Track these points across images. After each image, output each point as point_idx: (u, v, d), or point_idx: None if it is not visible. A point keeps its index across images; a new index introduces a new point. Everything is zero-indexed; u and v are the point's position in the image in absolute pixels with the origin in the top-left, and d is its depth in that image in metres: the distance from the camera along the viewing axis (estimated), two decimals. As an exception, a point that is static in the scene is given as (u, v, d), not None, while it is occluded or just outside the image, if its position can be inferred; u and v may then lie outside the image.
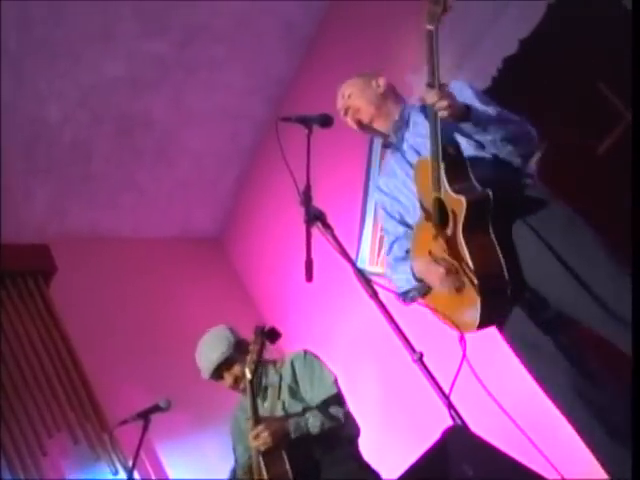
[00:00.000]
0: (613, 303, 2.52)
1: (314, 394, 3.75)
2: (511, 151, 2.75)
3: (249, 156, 6.90)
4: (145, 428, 4.16)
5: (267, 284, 6.95)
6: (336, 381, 3.79)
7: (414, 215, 2.99)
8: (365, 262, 5.66)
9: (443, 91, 2.61)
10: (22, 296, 5.75)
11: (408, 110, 3.12)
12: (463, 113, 2.66)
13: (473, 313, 2.66)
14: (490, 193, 2.64)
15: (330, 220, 2.58)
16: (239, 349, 3.97)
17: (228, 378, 3.97)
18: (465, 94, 2.89)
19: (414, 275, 2.90)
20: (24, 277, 5.82)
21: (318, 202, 2.58)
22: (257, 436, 3.52)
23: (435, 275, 2.75)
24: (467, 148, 2.82)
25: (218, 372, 3.97)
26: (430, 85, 2.63)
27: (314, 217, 2.54)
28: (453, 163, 2.72)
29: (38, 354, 5.51)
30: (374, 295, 2.47)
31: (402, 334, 2.35)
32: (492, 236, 2.66)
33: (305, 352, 3.94)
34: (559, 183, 4.73)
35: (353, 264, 2.51)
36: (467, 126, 2.69)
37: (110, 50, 5.59)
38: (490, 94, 4.82)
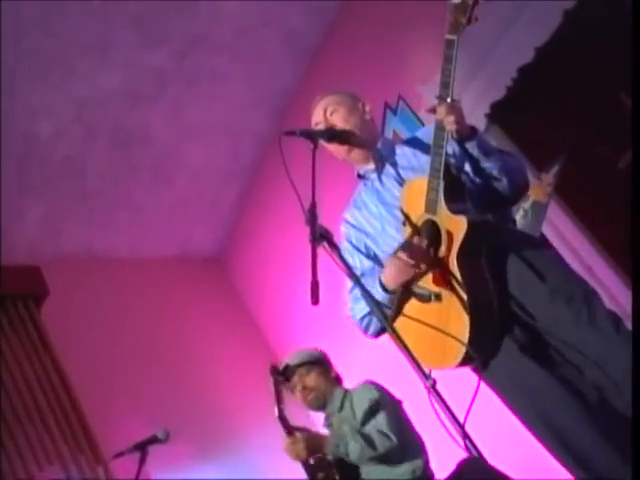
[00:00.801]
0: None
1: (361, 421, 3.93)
2: (505, 185, 2.73)
3: (251, 172, 6.90)
4: (142, 460, 4.15)
5: (271, 307, 6.94)
6: (391, 409, 3.92)
7: (383, 243, 2.98)
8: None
9: (455, 106, 2.62)
10: (12, 321, 5.74)
11: (389, 143, 3.13)
12: (469, 132, 2.67)
13: (455, 347, 2.63)
14: (491, 217, 2.66)
15: (337, 239, 2.58)
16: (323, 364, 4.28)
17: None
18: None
19: (382, 286, 2.84)
20: (14, 301, 5.81)
21: (324, 220, 2.57)
22: (291, 445, 3.73)
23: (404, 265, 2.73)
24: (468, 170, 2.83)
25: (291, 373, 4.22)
26: (441, 98, 2.63)
27: (320, 236, 2.52)
28: (453, 183, 2.71)
29: (29, 382, 5.49)
30: (384, 318, 2.46)
31: (413, 359, 2.34)
32: (484, 264, 2.65)
33: (364, 384, 4.15)
34: (578, 197, 4.75)
35: (361, 286, 2.51)
36: (471, 147, 2.69)
37: (106, 61, 5.62)
38: (505, 104, 4.90)
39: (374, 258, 3.05)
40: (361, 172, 3.15)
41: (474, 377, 2.65)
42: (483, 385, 2.67)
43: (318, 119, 3.11)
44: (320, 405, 4.15)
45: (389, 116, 5.34)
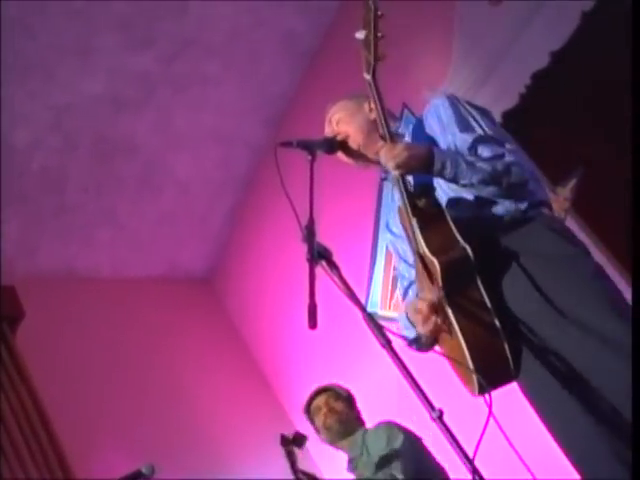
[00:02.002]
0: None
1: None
2: (494, 192, 2.69)
3: (244, 185, 6.92)
4: (125, 498, 4.12)
5: (265, 332, 6.93)
6: (406, 443, 4.15)
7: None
8: (376, 306, 5.65)
9: (394, 145, 2.62)
10: (-17, 345, 5.71)
11: (405, 132, 3.11)
12: (424, 161, 2.63)
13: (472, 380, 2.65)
14: (468, 248, 2.59)
15: (336, 258, 2.57)
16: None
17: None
18: (444, 116, 2.88)
19: (407, 317, 2.86)
20: (-14, 323, 5.80)
21: (323, 238, 2.57)
22: None
23: (417, 316, 2.73)
24: (450, 186, 2.79)
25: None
26: (383, 137, 2.65)
27: (318, 255, 2.51)
28: (426, 216, 2.69)
29: (1, 413, 5.46)
30: (387, 344, 2.44)
31: (419, 388, 2.33)
32: (484, 296, 2.63)
33: (382, 426, 4.37)
34: (596, 213, 4.75)
35: (362, 308, 2.49)
36: (434, 174, 2.67)
37: (88, 65, 5.63)
38: (518, 113, 4.91)
39: None
40: (383, 175, 3.15)
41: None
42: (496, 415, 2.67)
43: (327, 131, 3.14)
44: (340, 432, 4.45)
45: (408, 118, 5.35)
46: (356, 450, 4.37)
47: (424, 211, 2.69)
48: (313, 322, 2.39)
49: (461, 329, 2.59)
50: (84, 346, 6.17)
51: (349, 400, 4.67)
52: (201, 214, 6.98)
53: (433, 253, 2.63)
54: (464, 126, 2.84)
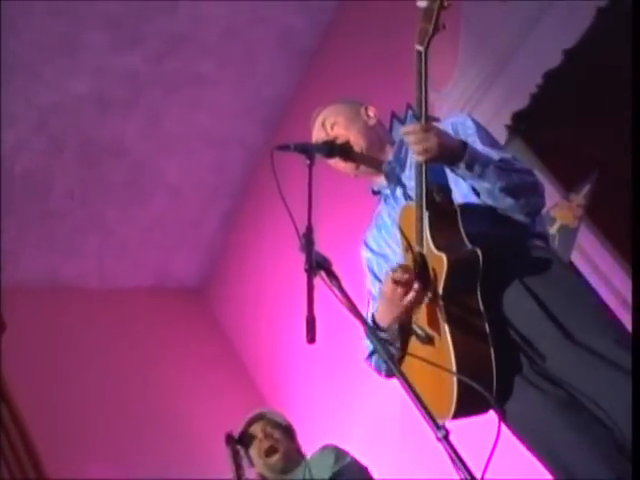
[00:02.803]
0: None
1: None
2: (512, 205, 2.71)
3: (239, 191, 6.91)
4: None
5: (261, 346, 6.92)
6: (354, 463, 4.07)
7: None
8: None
9: (428, 127, 2.61)
10: (-38, 359, 5.69)
11: (404, 147, 3.10)
12: (453, 153, 2.63)
13: (449, 398, 2.62)
14: (479, 252, 2.61)
15: (336, 268, 2.56)
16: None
17: None
18: (467, 131, 2.89)
19: (374, 323, 2.84)
20: (-35, 335, 5.78)
21: (322, 247, 2.56)
22: None
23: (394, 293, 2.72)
24: (462, 193, 2.80)
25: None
26: (415, 117, 2.63)
27: (317, 265, 2.50)
28: (440, 212, 2.68)
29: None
30: (390, 358, 2.44)
31: (424, 407, 2.31)
32: (480, 306, 2.63)
33: (326, 451, 4.27)
34: (612, 221, 4.74)
35: (364, 321, 2.48)
36: (460, 168, 2.67)
37: (74, 64, 5.64)
38: (529, 115, 4.91)
39: None
40: (375, 188, 3.15)
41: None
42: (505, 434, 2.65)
43: (318, 135, 3.11)
44: (281, 465, 4.27)
45: (397, 127, 5.33)
46: None
47: (438, 207, 2.69)
48: (312, 336, 2.38)
49: (452, 336, 2.60)
50: (69, 360, 6.18)
51: (288, 431, 4.43)
52: (193, 220, 6.98)
53: (440, 249, 2.63)
54: (490, 143, 2.87)
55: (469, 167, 2.63)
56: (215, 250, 7.24)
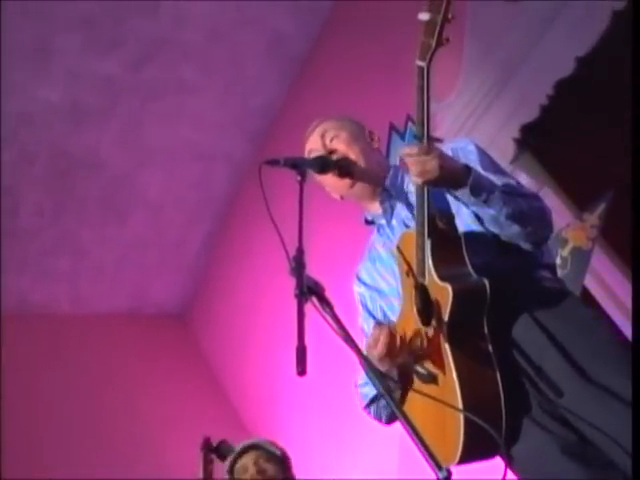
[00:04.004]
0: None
1: None
2: (518, 233, 2.72)
3: (224, 209, 6.91)
4: None
5: (247, 377, 6.91)
6: None
7: (398, 306, 2.98)
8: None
9: (429, 149, 2.61)
10: None
11: (401, 173, 3.11)
12: (456, 177, 2.64)
13: (454, 442, 2.62)
14: (487, 283, 2.62)
15: (329, 294, 2.56)
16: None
17: None
18: (468, 156, 2.90)
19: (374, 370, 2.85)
20: None
21: (313, 270, 2.56)
22: None
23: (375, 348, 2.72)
24: (462, 220, 2.81)
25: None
26: (417, 138, 2.63)
27: (308, 290, 2.50)
28: (443, 240, 2.69)
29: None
30: (387, 392, 2.43)
31: (425, 446, 2.31)
32: (488, 341, 2.63)
33: None
34: (628, 243, 4.74)
35: (359, 352, 2.48)
36: (463, 194, 2.67)
37: (45, 69, 5.63)
38: (539, 127, 4.91)
39: None
40: (369, 217, 3.15)
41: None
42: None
43: (314, 146, 3.11)
44: None
45: (395, 140, 5.35)
46: None
47: (441, 235, 2.70)
48: (302, 367, 2.37)
49: (457, 374, 2.60)
50: (39, 387, 6.20)
51: (283, 462, 4.39)
52: (174, 240, 6.98)
53: (444, 279, 2.64)
54: (493, 169, 2.88)
55: (474, 192, 2.64)
56: (198, 273, 7.23)
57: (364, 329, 3.15)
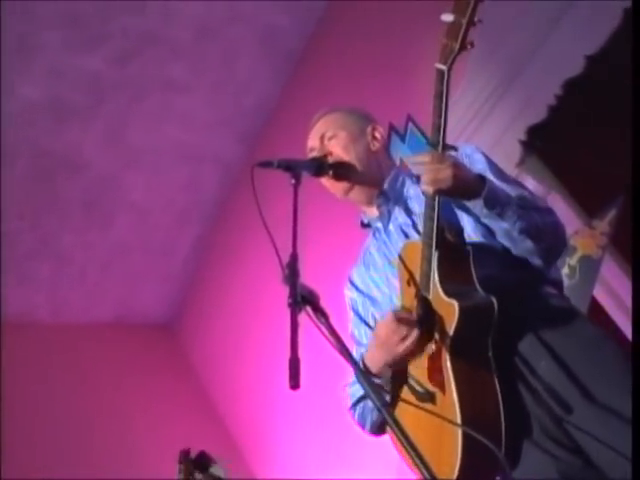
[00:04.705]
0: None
1: None
2: (530, 248, 2.74)
3: (214, 213, 6.91)
4: None
5: (238, 391, 6.91)
6: None
7: None
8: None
9: (443, 158, 2.60)
10: None
11: (402, 177, 3.11)
12: (469, 188, 2.65)
13: (452, 460, 2.62)
14: (495, 301, 2.62)
15: (324, 303, 2.55)
16: None
17: None
18: (476, 165, 2.90)
19: (364, 366, 2.83)
20: None
21: (308, 278, 2.55)
22: None
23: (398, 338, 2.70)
24: (471, 235, 2.82)
25: None
26: (432, 144, 2.62)
27: (302, 299, 2.50)
28: (450, 253, 2.70)
29: None
30: (384, 407, 2.42)
31: (423, 463, 2.30)
32: (491, 361, 2.63)
33: None
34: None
35: (355, 364, 2.47)
36: (476, 205, 2.68)
37: (26, 66, 5.62)
38: (546, 129, 4.91)
39: None
40: (365, 220, 3.16)
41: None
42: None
43: (313, 144, 3.14)
44: None
45: (395, 141, 5.35)
46: None
47: (449, 247, 2.71)
48: (295, 381, 2.36)
49: (458, 393, 2.60)
50: (17, 401, 6.14)
51: None
52: (162, 246, 6.97)
53: (450, 295, 2.64)
54: (503, 178, 2.89)
55: (488, 205, 2.65)
56: (186, 280, 7.23)
57: (354, 335, 3.15)
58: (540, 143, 5.00)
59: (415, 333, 2.66)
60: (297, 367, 2.37)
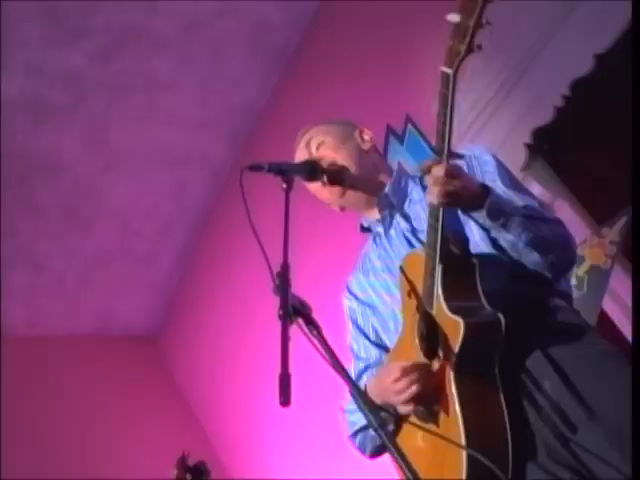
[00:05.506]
0: None
1: None
2: (537, 261, 2.74)
3: (200, 220, 6.91)
4: None
5: (223, 407, 6.90)
6: None
7: (394, 329, 2.99)
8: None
9: (455, 172, 2.59)
10: None
11: (404, 179, 3.12)
12: (473, 198, 2.65)
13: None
14: (502, 318, 2.61)
15: (317, 315, 2.56)
16: None
17: None
18: (484, 167, 2.91)
19: (366, 395, 2.85)
20: None
21: (300, 289, 2.56)
22: None
23: (400, 390, 2.72)
24: (478, 243, 2.83)
25: None
26: (436, 152, 2.61)
27: (294, 310, 2.51)
28: (455, 266, 2.70)
29: None
30: (380, 427, 2.43)
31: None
32: (498, 380, 2.65)
33: None
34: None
35: (349, 380, 2.48)
36: (479, 216, 2.69)
37: (0, 62, 5.62)
38: (553, 132, 4.93)
39: (382, 346, 3.07)
40: (365, 224, 3.17)
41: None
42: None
43: (301, 157, 3.16)
44: None
45: (393, 144, 5.35)
46: None
47: (454, 260, 2.71)
48: (286, 397, 2.36)
49: (462, 414, 2.61)
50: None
51: None
52: (144, 254, 6.97)
53: (455, 312, 2.65)
54: (512, 185, 2.90)
55: (491, 216, 2.66)
56: (170, 290, 7.24)
57: (353, 348, 3.16)
58: (546, 146, 5.01)
59: (415, 389, 2.67)
60: (288, 383, 2.37)
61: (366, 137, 3.18)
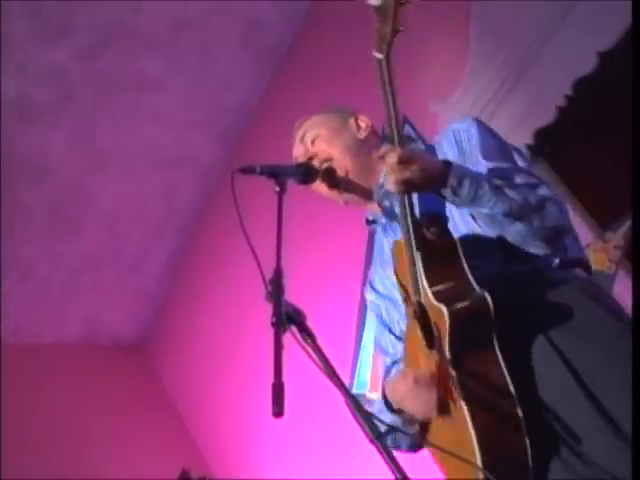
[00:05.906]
0: None
1: None
2: (522, 231, 2.70)
3: (190, 223, 6.91)
4: None
5: (214, 417, 6.90)
6: None
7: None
8: (365, 387, 5.60)
9: (408, 157, 2.57)
10: None
11: None
12: (436, 178, 2.62)
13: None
14: (488, 297, 2.58)
15: (311, 323, 2.56)
16: None
17: None
18: (470, 141, 2.92)
19: (386, 402, 2.86)
20: None
21: (293, 295, 2.56)
22: None
23: (415, 397, 2.72)
24: (465, 221, 2.82)
25: None
26: (387, 140, 2.62)
27: (287, 318, 2.50)
28: (435, 252, 2.69)
29: None
30: (377, 438, 2.43)
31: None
32: (501, 363, 2.62)
33: None
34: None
35: (345, 390, 2.47)
36: (447, 195, 2.65)
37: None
38: (555, 132, 4.92)
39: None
40: (370, 217, 3.16)
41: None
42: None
43: (297, 153, 3.16)
44: None
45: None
46: None
47: (432, 245, 2.69)
48: (279, 408, 2.35)
49: (471, 415, 2.57)
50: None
51: None
52: (132, 259, 6.97)
53: (440, 300, 2.63)
54: (492, 155, 2.86)
55: (455, 192, 2.63)
56: (159, 297, 7.24)
57: (381, 344, 3.18)
58: (548, 147, 5.02)
59: (423, 397, 2.69)
60: (281, 393, 2.36)
61: (362, 124, 3.18)
